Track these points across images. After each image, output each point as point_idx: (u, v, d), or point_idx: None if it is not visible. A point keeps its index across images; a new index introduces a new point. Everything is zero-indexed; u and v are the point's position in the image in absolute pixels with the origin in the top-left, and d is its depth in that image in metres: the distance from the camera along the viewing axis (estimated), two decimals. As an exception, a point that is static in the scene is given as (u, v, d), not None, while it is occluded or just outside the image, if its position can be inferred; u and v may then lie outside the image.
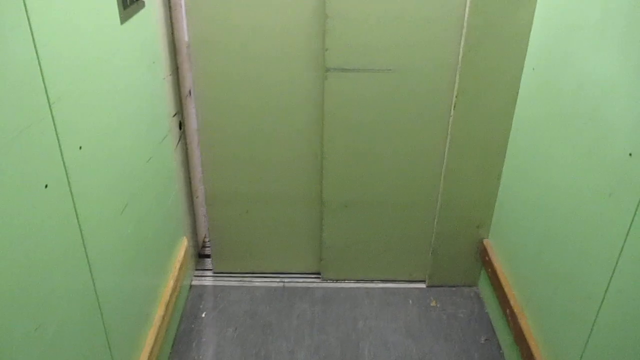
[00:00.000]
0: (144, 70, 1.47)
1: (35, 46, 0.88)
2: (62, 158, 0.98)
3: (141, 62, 1.44)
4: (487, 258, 1.92)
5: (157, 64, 1.58)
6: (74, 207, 1.03)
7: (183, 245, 1.92)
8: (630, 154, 1.08)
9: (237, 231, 2.07)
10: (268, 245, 2.11)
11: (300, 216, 2.04)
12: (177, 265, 1.82)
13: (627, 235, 1.10)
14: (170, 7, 1.71)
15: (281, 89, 1.78)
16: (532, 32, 1.60)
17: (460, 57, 1.66)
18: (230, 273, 2.16)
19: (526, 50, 1.63)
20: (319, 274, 2.16)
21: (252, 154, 1.90)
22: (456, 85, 1.70)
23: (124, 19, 1.28)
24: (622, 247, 1.11)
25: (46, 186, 0.92)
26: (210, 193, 1.98)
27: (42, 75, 0.90)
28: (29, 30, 0.86)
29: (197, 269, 2.18)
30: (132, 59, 1.37)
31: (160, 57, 1.62)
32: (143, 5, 1.43)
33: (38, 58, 0.89)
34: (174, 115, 1.80)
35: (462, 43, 1.63)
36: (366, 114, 1.78)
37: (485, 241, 1.97)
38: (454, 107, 1.73)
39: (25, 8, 0.85)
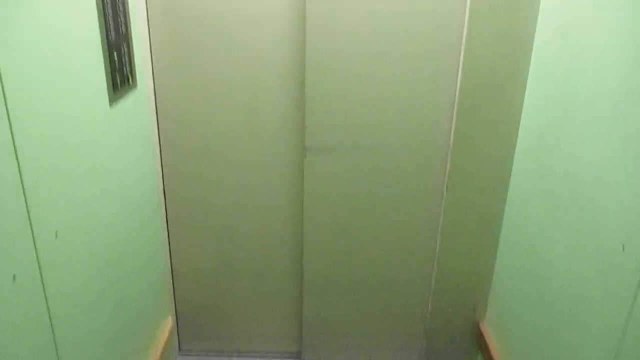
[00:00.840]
0: (133, 150, 1.46)
1: (11, 131, 0.86)
2: (35, 246, 0.94)
3: (131, 142, 1.44)
4: (483, 343, 1.84)
5: (147, 142, 1.58)
6: (45, 297, 0.99)
7: (167, 325, 1.85)
8: (623, 247, 1.05)
9: (207, 308, 2.00)
10: (242, 323, 2.03)
11: (279, 293, 1.98)
12: (160, 346, 1.74)
13: (626, 324, 1.04)
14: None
15: (258, 166, 1.77)
16: (523, 115, 1.60)
17: (451, 137, 1.65)
18: (198, 352, 2.07)
19: (517, 133, 1.62)
20: (299, 354, 2.07)
21: (228, 229, 1.86)
22: (448, 165, 1.69)
23: (113, 101, 1.28)
24: (623, 336, 1.06)
25: (14, 277, 0.88)
26: (178, 268, 1.93)
27: (17, 161, 0.88)
28: (5, 111, 0.85)
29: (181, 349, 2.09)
30: (121, 140, 1.36)
31: (150, 135, 1.62)
32: (135, 86, 1.44)
33: (14, 144, 0.87)
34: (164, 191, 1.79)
35: (454, 124, 1.63)
36: (350, 191, 1.76)
37: (481, 324, 1.90)
38: (447, 187, 1.71)
39: (3, 89, 0.84)
